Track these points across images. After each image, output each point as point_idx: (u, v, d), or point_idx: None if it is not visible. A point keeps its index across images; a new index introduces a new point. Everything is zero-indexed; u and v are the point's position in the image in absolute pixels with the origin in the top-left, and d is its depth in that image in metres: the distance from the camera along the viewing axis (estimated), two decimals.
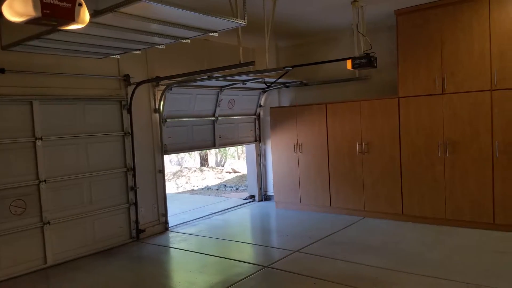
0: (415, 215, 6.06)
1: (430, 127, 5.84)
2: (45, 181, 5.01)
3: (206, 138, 7.16)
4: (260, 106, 8.17)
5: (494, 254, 4.66)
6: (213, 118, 7.20)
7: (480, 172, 5.49)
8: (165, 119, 6.38)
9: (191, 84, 6.31)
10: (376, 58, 5.39)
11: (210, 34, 4.21)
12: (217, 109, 7.21)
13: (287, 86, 7.90)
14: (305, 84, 7.75)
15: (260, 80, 6.83)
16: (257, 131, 8.22)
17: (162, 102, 6.27)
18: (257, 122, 8.21)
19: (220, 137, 7.38)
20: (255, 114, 8.16)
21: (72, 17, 2.31)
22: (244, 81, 6.91)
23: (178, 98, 6.51)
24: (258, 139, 8.25)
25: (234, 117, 7.68)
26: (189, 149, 6.93)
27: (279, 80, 7.00)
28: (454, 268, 4.31)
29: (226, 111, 7.50)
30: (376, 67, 5.41)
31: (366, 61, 5.29)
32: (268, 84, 7.13)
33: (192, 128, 6.88)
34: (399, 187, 6.17)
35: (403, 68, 6.00)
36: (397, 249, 4.99)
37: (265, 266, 4.65)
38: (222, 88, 7.10)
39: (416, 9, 5.76)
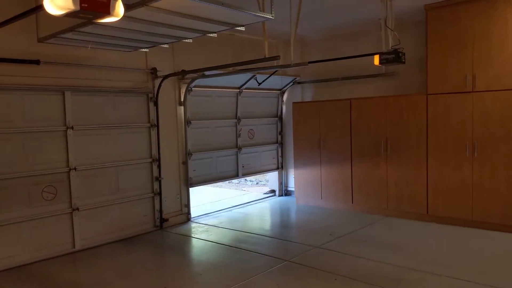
0: (440, 216, 5.94)
1: (459, 125, 5.69)
2: (75, 169, 5.21)
3: (230, 168, 7.32)
4: (280, 133, 8.26)
5: None
6: (236, 149, 7.35)
7: (511, 173, 5.32)
8: (191, 153, 6.56)
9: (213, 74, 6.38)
10: (404, 54, 5.26)
11: (237, 28, 4.24)
12: (238, 139, 7.37)
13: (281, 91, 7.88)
14: (299, 82, 7.82)
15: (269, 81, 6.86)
16: (280, 158, 8.31)
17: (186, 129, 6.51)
18: (279, 149, 8.28)
19: (243, 166, 7.51)
20: (277, 142, 8.25)
21: (107, 11, 2.40)
22: (240, 88, 6.96)
23: (199, 132, 6.73)
24: (281, 166, 8.33)
25: (257, 147, 7.80)
26: (213, 180, 7.08)
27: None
28: (481, 271, 4.21)
29: (249, 141, 7.64)
30: (404, 62, 5.29)
31: (394, 57, 5.16)
32: (259, 82, 7.16)
33: (216, 160, 7.05)
34: (425, 187, 6.05)
35: (432, 64, 5.86)
36: (421, 249, 4.92)
37: (285, 260, 4.68)
38: (238, 117, 7.35)
39: (446, 4, 5.61)
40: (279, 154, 8.29)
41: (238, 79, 6.99)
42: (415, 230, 5.72)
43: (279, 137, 8.28)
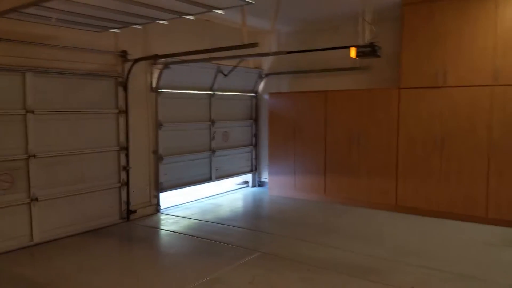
0: (409, 206, 6.10)
1: (429, 119, 5.84)
2: (34, 156, 4.83)
3: (203, 172, 7.13)
4: (255, 135, 8.19)
5: (485, 247, 4.74)
6: (210, 152, 7.18)
7: (475, 166, 5.53)
8: (162, 157, 6.33)
9: (189, 62, 6.15)
10: (380, 47, 5.32)
11: (216, 11, 4.07)
12: (212, 142, 7.21)
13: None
14: (267, 75, 7.86)
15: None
16: (254, 161, 8.22)
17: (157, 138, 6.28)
18: (253, 152, 8.21)
19: (216, 169, 7.35)
20: (251, 144, 8.17)
21: None
22: (212, 87, 6.80)
23: (171, 135, 6.48)
24: (255, 169, 8.25)
25: (231, 149, 7.68)
26: (185, 184, 6.83)
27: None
28: (447, 259, 4.35)
29: (223, 144, 7.49)
30: (379, 56, 5.34)
31: (370, 50, 5.21)
32: (225, 74, 7.04)
33: (188, 163, 6.83)
34: (394, 178, 6.18)
35: (406, 59, 5.96)
36: (390, 239, 5.02)
37: (258, 251, 4.61)
38: (212, 120, 7.20)
39: (422, 0, 5.70)
40: (253, 156, 8.22)
41: (207, 74, 6.81)
42: (385, 221, 5.84)
43: (254, 139, 8.20)
